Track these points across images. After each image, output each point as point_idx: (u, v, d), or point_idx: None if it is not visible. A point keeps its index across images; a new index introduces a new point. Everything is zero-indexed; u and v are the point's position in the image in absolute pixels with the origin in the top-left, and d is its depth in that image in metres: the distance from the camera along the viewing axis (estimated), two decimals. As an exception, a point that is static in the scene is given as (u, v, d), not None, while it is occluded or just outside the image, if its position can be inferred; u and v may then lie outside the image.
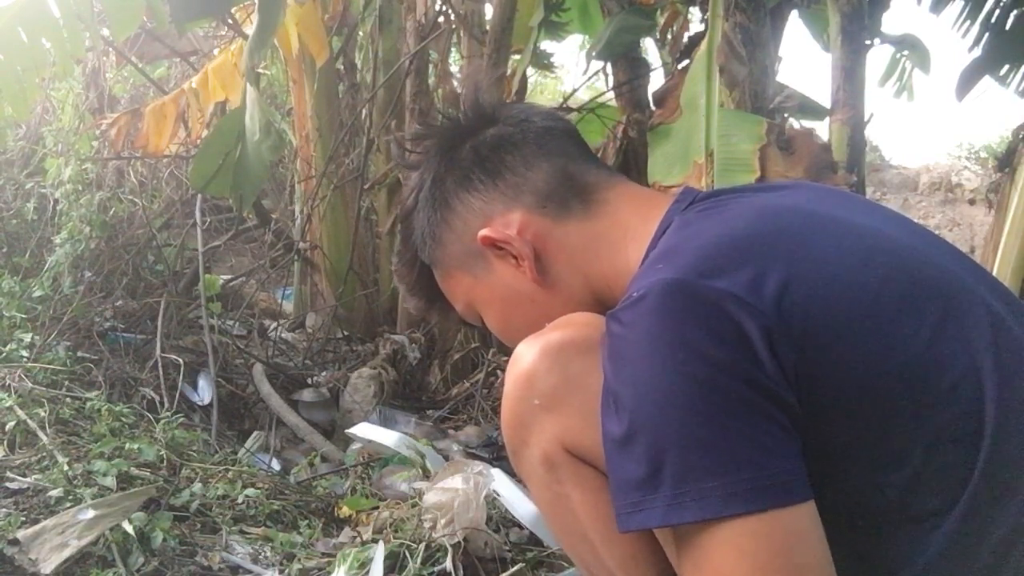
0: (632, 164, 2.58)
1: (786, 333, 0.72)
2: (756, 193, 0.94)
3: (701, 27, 2.35)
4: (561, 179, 0.99)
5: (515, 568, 1.63)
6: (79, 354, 2.63)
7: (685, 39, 2.88)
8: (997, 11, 2.90)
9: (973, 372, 0.75)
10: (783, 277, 0.75)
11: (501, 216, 0.98)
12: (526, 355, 0.90)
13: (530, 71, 3.42)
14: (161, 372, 2.59)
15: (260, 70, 3.27)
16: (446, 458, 2.14)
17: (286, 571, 1.67)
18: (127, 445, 1.97)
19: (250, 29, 2.69)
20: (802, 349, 0.73)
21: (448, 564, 1.55)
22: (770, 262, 0.76)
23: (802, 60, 9.47)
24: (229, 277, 3.76)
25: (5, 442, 1.99)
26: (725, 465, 0.70)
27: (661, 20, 3.39)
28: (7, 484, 1.78)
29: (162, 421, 2.19)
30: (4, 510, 1.67)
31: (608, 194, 0.99)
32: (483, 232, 0.98)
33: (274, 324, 3.45)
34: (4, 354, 2.48)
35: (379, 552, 1.58)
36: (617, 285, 0.92)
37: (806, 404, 0.73)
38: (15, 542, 1.52)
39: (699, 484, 0.71)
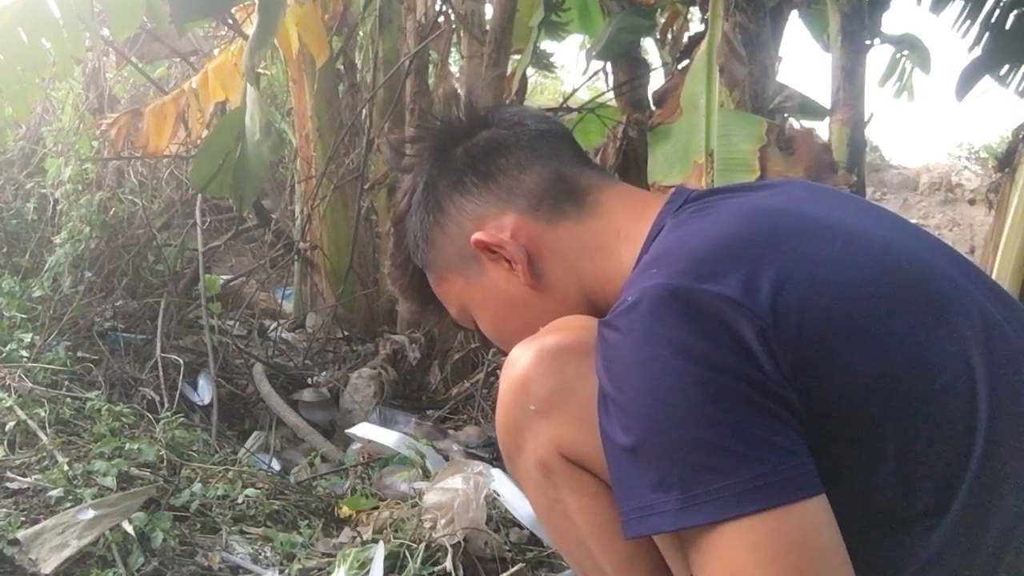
0: (632, 164, 2.58)
1: (781, 334, 0.73)
2: (748, 192, 0.94)
3: (701, 27, 2.34)
4: (554, 182, 0.99)
5: (515, 568, 1.64)
6: (79, 354, 2.63)
7: (685, 39, 2.88)
8: (997, 11, 2.90)
9: (966, 373, 0.75)
10: (776, 279, 0.75)
11: (494, 219, 0.99)
12: (521, 359, 0.90)
13: (530, 71, 3.42)
14: (161, 372, 2.59)
15: (260, 70, 3.26)
16: (446, 458, 2.14)
17: (286, 571, 1.67)
18: (127, 445, 1.97)
19: (250, 29, 2.69)
20: (797, 350, 0.73)
21: (448, 564, 1.56)
22: (763, 264, 0.76)
23: (802, 60, 9.46)
24: (229, 277, 3.76)
25: (5, 442, 1.99)
26: (733, 464, 0.70)
27: (661, 20, 3.39)
28: (7, 484, 1.78)
29: (162, 421, 2.19)
30: (4, 510, 1.67)
31: (601, 196, 0.99)
32: (476, 235, 0.98)
33: (274, 324, 3.45)
34: (4, 354, 2.48)
35: (379, 552, 1.58)
36: (611, 287, 0.92)
37: (805, 404, 0.73)
38: (15, 542, 1.52)
39: (709, 486, 0.71)
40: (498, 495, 1.76)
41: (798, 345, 0.73)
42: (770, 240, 0.80)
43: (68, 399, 2.31)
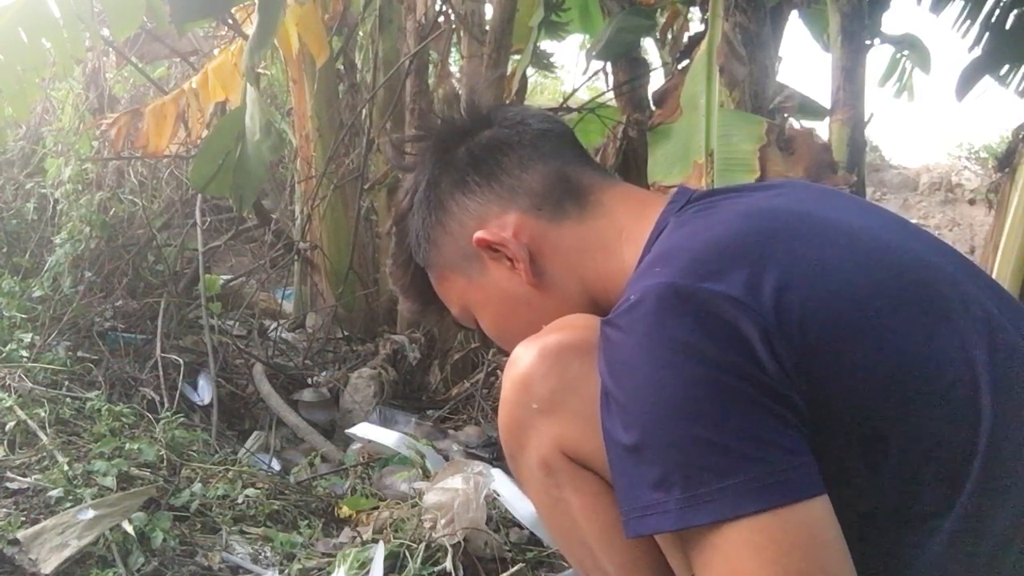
0: (632, 164, 2.58)
1: (784, 334, 0.72)
2: (751, 193, 0.94)
3: (701, 27, 2.35)
4: (556, 181, 0.99)
5: (515, 568, 1.64)
6: (79, 354, 2.63)
7: (685, 39, 2.88)
8: (997, 11, 2.90)
9: (968, 372, 0.75)
10: (779, 278, 0.75)
11: (496, 218, 0.99)
12: (523, 358, 0.90)
13: (530, 71, 3.42)
14: (161, 372, 2.59)
15: (260, 70, 3.26)
16: (446, 458, 2.14)
17: (286, 571, 1.67)
18: (127, 445, 1.97)
19: (250, 29, 2.69)
20: (800, 350, 0.73)
21: (448, 564, 1.56)
22: (766, 264, 0.76)
23: (802, 60, 9.45)
24: (229, 277, 3.76)
25: (5, 442, 1.99)
26: (734, 465, 0.70)
27: (661, 20, 3.39)
28: (7, 484, 1.78)
29: (162, 421, 2.19)
30: (4, 510, 1.67)
31: (603, 195, 0.99)
32: (478, 234, 0.98)
33: (274, 324, 3.45)
34: (4, 354, 2.48)
35: (379, 552, 1.58)
36: (613, 287, 0.92)
37: (808, 404, 0.73)
38: (15, 542, 1.52)
39: (710, 485, 0.71)
40: (498, 495, 1.76)
41: (801, 345, 0.73)
42: (773, 240, 0.80)
43: (68, 399, 2.31)
